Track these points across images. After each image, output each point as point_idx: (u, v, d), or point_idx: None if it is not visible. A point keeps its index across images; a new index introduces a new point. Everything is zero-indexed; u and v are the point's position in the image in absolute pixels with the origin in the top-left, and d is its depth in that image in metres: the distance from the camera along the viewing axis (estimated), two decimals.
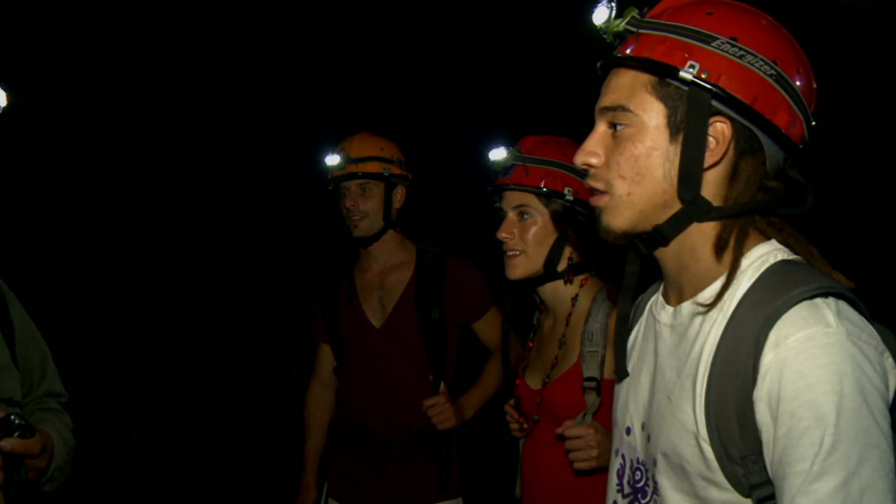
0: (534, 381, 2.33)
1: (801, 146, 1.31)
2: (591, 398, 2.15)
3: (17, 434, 1.56)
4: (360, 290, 3.02)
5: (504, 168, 2.27)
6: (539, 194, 2.22)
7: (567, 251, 2.26)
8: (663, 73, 1.27)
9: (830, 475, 1.08)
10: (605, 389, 2.14)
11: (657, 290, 1.48)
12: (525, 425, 2.35)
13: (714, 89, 1.23)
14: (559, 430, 2.11)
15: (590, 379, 2.16)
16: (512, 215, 2.25)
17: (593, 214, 2.15)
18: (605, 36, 1.36)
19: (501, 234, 2.24)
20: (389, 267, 3.01)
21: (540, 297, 2.37)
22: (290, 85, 5.79)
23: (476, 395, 2.95)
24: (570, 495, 2.20)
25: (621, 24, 1.33)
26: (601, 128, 1.35)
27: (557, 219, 2.23)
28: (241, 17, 5.58)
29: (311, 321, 3.18)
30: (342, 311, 3.02)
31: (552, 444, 2.21)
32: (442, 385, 2.86)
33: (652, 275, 1.49)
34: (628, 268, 1.46)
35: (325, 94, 5.68)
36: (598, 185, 1.35)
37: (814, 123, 1.33)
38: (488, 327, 2.99)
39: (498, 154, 2.27)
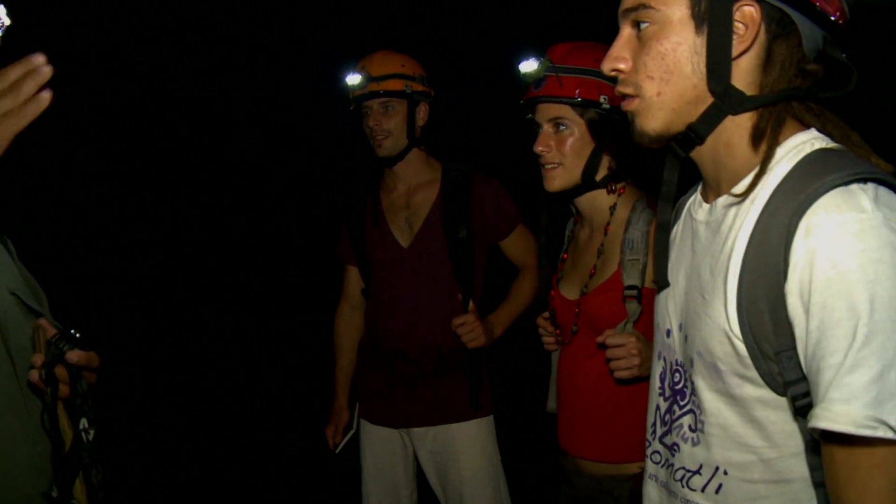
0: (570, 292, 2.31)
1: (840, 23, 1.25)
2: (632, 306, 2.13)
3: (78, 347, 1.57)
4: (386, 211, 3.00)
5: (536, 80, 2.20)
6: (574, 104, 2.17)
7: (605, 160, 2.22)
8: None
9: (865, 367, 1.04)
10: (646, 298, 2.13)
11: (695, 191, 1.44)
12: (560, 337, 2.34)
13: None
14: (600, 339, 2.10)
15: (630, 287, 2.14)
16: (547, 127, 2.20)
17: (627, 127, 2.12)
18: None
19: (538, 148, 2.20)
20: (415, 186, 2.98)
21: (576, 208, 2.33)
22: (309, 4, 5.69)
23: (505, 313, 2.94)
24: (612, 403, 2.20)
25: None
26: (626, 31, 1.31)
27: (594, 128, 2.18)
28: None
29: (337, 243, 3.16)
30: (369, 231, 3.00)
31: (592, 354, 2.20)
32: (471, 304, 2.84)
33: (690, 181, 1.45)
34: (666, 174, 1.42)
35: (344, 9, 5.58)
36: (628, 90, 1.31)
37: None
38: (516, 244, 2.97)
39: (528, 66, 2.19)
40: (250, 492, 4.71)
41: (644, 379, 2.12)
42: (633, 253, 2.16)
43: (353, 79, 2.87)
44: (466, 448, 2.91)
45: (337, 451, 3.14)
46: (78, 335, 1.56)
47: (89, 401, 1.55)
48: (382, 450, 3.03)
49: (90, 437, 1.49)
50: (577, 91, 2.15)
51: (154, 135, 6.14)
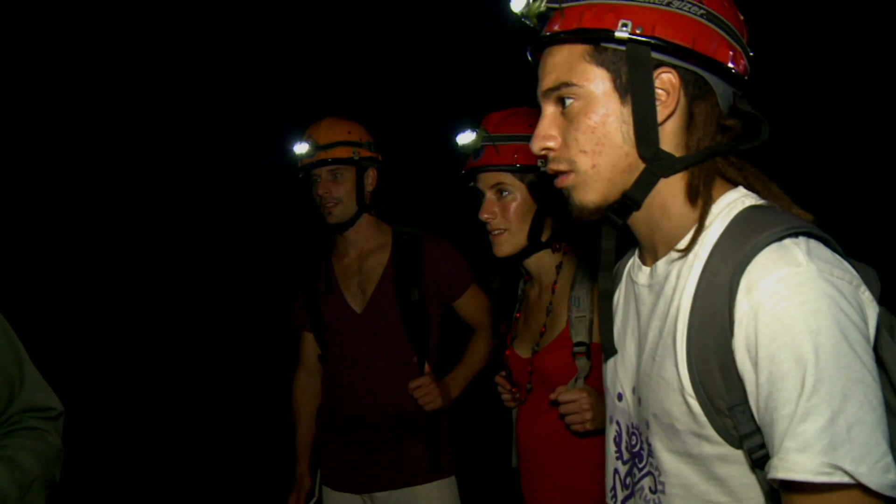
0: (523, 351, 2.35)
1: (746, 78, 1.31)
2: (582, 362, 2.17)
3: None
4: (339, 276, 3.01)
5: (474, 150, 2.25)
6: (514, 171, 2.21)
7: (548, 221, 2.27)
8: (598, 39, 1.26)
9: (816, 415, 1.06)
10: (595, 353, 2.16)
11: (633, 254, 1.47)
12: (517, 395, 2.37)
13: (652, 41, 1.23)
14: (552, 396, 2.14)
15: (579, 344, 2.18)
16: (490, 195, 2.24)
17: None
18: (527, 21, 1.35)
19: (483, 216, 2.24)
20: (366, 251, 3.00)
21: (525, 269, 2.37)
22: (255, 74, 5.73)
23: (461, 374, 2.96)
24: (568, 458, 2.23)
25: (542, 5, 1.32)
26: (549, 109, 1.34)
27: (535, 190, 2.22)
28: (204, 6, 5.53)
29: (292, 311, 3.16)
30: (323, 298, 3.01)
31: (546, 411, 2.23)
32: (426, 366, 2.85)
33: (624, 244, 1.48)
34: (604, 243, 1.44)
35: (289, 80, 5.63)
36: (561, 167, 1.34)
37: (752, 54, 1.34)
38: (469, 304, 3.00)
39: (465, 137, 2.24)
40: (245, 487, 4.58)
41: (599, 432, 2.16)
42: (580, 310, 2.19)
43: (301, 148, 2.89)
44: None
45: None
46: None
47: None
48: None
49: None
50: (515, 157, 2.19)
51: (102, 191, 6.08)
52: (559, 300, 2.27)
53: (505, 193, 2.23)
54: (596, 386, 2.11)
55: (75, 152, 5.88)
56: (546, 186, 2.21)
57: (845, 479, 1.05)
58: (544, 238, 2.27)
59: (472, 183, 2.29)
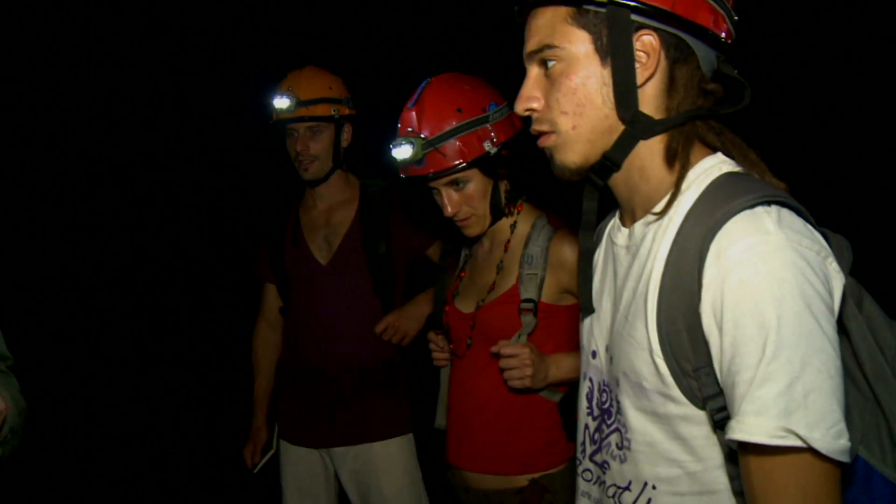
0: (466, 306, 2.35)
1: (730, 42, 1.32)
2: (528, 319, 2.19)
3: None
4: (305, 229, 2.98)
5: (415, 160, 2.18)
6: (466, 169, 2.17)
7: (502, 187, 2.26)
8: (580, 1, 1.27)
9: (774, 381, 1.09)
10: (543, 312, 2.20)
11: (614, 216, 1.49)
12: (453, 352, 2.37)
13: (632, 3, 1.23)
14: (494, 349, 2.15)
15: (527, 300, 2.20)
16: (447, 191, 2.21)
17: (513, 146, 2.13)
18: None
19: (449, 212, 2.22)
20: (334, 204, 2.97)
21: None
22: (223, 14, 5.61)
23: (416, 305, 2.86)
24: (503, 416, 2.24)
25: None
26: (534, 71, 1.35)
27: (487, 169, 2.21)
28: None
29: (255, 261, 3.12)
30: (288, 249, 2.98)
31: (486, 366, 2.24)
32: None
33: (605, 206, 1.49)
34: (586, 204, 1.46)
35: (263, 19, 5.51)
36: (544, 127, 1.35)
37: (736, 18, 1.34)
38: (439, 253, 2.96)
39: (403, 152, 2.15)
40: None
41: (536, 390, 2.17)
42: (532, 268, 2.22)
43: (281, 102, 2.81)
44: (387, 467, 2.90)
45: (255, 472, 3.09)
46: None
47: None
48: (303, 470, 3.00)
49: None
50: (462, 152, 2.15)
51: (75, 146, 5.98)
52: (511, 257, 2.28)
53: (461, 184, 2.20)
54: (539, 344, 2.16)
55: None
56: (496, 161, 2.21)
57: (798, 443, 1.07)
58: (503, 205, 2.27)
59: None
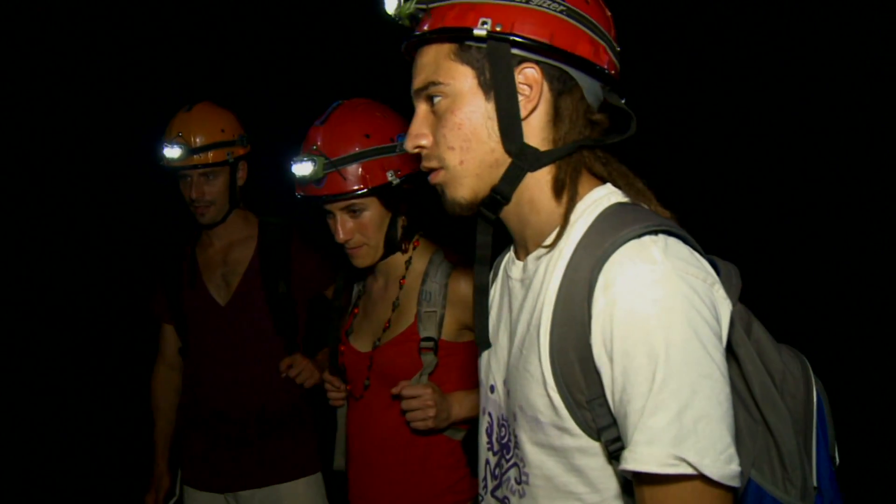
0: (362, 345, 2.31)
1: (613, 73, 1.34)
2: (428, 358, 2.16)
3: None
4: (202, 268, 2.91)
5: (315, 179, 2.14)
6: (365, 196, 2.15)
7: (399, 222, 2.23)
8: (460, 38, 1.29)
9: (664, 410, 1.10)
10: (443, 350, 2.17)
11: (509, 250, 1.50)
12: (350, 392, 2.33)
13: (511, 37, 1.25)
14: (395, 390, 2.12)
15: (427, 339, 2.16)
16: (341, 215, 2.17)
17: (416, 182, 2.13)
18: (401, 22, 1.38)
19: (340, 237, 2.18)
20: (233, 242, 2.91)
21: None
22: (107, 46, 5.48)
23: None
24: (407, 456, 2.21)
25: (412, 6, 1.35)
26: (421, 108, 1.37)
27: (387, 200, 2.19)
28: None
29: (152, 301, 3.03)
30: (185, 290, 2.90)
31: (387, 407, 2.21)
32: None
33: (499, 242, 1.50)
34: (479, 238, 1.47)
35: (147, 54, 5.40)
36: (433, 164, 1.36)
37: (619, 49, 1.37)
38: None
39: (303, 168, 2.10)
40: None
41: (440, 431, 2.15)
42: (430, 305, 2.18)
43: (172, 151, 2.71)
44: None
45: None
46: None
47: None
48: None
49: None
50: (363, 179, 2.12)
51: None
52: (407, 295, 2.25)
53: (357, 211, 2.17)
54: (440, 383, 2.13)
55: None
56: (397, 194, 2.18)
57: (689, 471, 1.09)
58: (398, 241, 2.24)
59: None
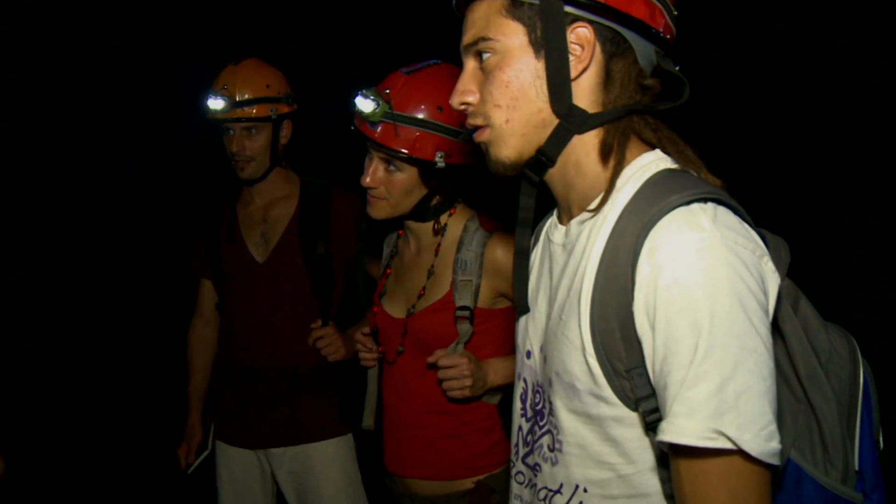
0: (396, 310, 2.30)
1: (668, 37, 1.31)
2: (464, 327, 2.15)
3: None
4: (242, 225, 2.91)
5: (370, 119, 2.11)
6: (408, 161, 2.12)
7: (433, 199, 2.21)
8: None
9: (705, 381, 1.07)
10: (478, 318, 2.16)
11: (552, 215, 1.47)
12: (383, 355, 2.33)
13: None
14: (431, 359, 2.12)
15: (463, 308, 2.15)
16: (378, 162, 2.16)
17: (465, 170, 2.10)
18: None
19: (365, 181, 2.16)
20: (273, 200, 2.91)
21: (405, 224, 2.32)
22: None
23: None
24: (443, 422, 2.22)
25: None
26: (470, 64, 1.35)
27: (426, 176, 2.16)
28: None
29: (190, 257, 3.05)
30: (224, 246, 2.91)
31: (421, 374, 2.21)
32: (330, 321, 2.79)
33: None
34: (522, 200, 1.44)
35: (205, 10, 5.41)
36: (478, 121, 1.34)
37: (676, 13, 1.33)
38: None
39: (365, 105, 2.08)
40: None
41: (475, 399, 2.15)
42: (466, 274, 2.17)
43: (216, 103, 2.72)
44: (326, 468, 2.85)
45: (189, 472, 3.03)
46: None
47: None
48: (239, 471, 2.94)
49: None
50: (413, 145, 2.09)
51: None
52: (443, 262, 2.23)
53: (392, 168, 2.15)
54: (475, 351, 2.13)
55: None
56: (439, 175, 2.15)
57: (728, 445, 1.06)
58: (427, 215, 2.23)
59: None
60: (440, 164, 2.09)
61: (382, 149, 2.10)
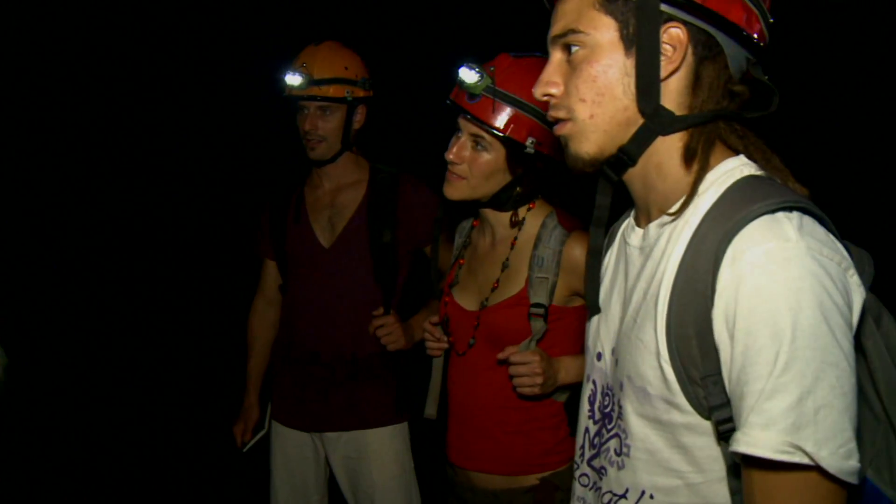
0: (468, 303, 2.29)
1: (762, 44, 1.28)
2: (538, 324, 2.14)
3: None
4: (309, 208, 2.93)
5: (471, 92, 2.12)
6: (499, 138, 2.12)
7: (514, 189, 2.20)
8: None
9: (784, 393, 1.05)
10: (552, 315, 2.15)
11: (629, 215, 1.45)
12: (453, 346, 2.32)
13: None
14: (502, 356, 2.11)
15: (537, 305, 2.14)
16: (466, 138, 2.16)
17: (551, 163, 2.08)
18: None
19: (450, 156, 2.16)
20: (342, 185, 2.91)
21: (480, 214, 2.31)
22: None
23: (425, 316, 2.88)
24: (512, 416, 2.21)
25: None
26: (556, 56, 1.32)
27: (512, 160, 2.15)
28: None
29: (256, 237, 3.08)
30: (290, 228, 2.93)
31: (491, 367, 2.20)
32: (391, 310, 2.80)
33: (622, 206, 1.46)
34: (599, 199, 1.42)
35: None
36: (560, 114, 1.31)
37: (772, 20, 1.30)
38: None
39: (469, 76, 2.08)
40: (153, 490, 4.55)
41: (545, 396, 2.15)
42: (543, 271, 2.16)
43: (293, 79, 2.74)
44: (379, 455, 2.86)
45: (244, 451, 3.06)
46: None
47: None
48: (293, 453, 2.96)
49: None
50: (507, 124, 2.09)
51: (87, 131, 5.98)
52: (518, 257, 2.22)
53: (480, 147, 2.15)
54: (548, 349, 2.12)
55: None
56: (525, 161, 2.14)
57: (805, 461, 1.04)
58: (506, 204, 2.22)
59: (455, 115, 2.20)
60: (529, 149, 2.09)
61: (477, 122, 2.10)
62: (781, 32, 1.38)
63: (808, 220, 1.14)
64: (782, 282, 1.07)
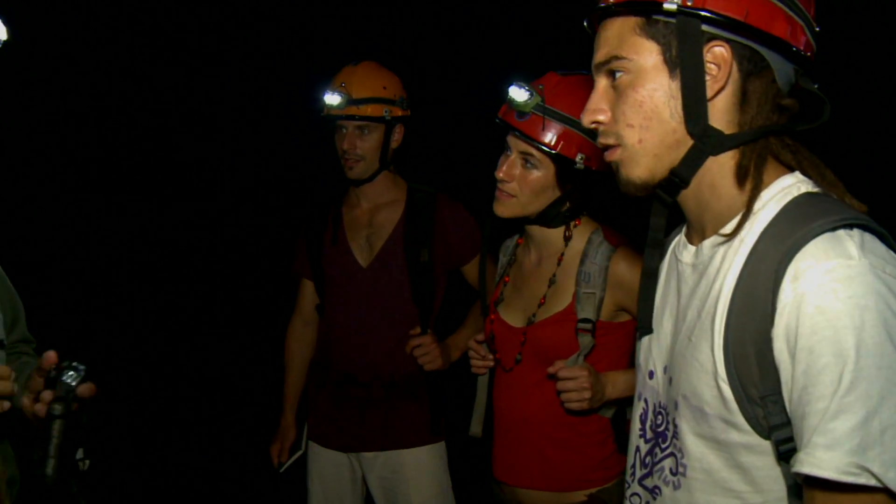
0: (514, 319, 2.30)
1: (808, 55, 1.27)
2: (586, 340, 2.14)
3: (83, 378, 1.64)
4: (347, 228, 2.93)
5: (520, 110, 2.14)
6: (549, 155, 2.13)
7: (563, 205, 2.21)
8: (648, 11, 1.24)
9: (849, 413, 1.03)
10: (600, 330, 2.15)
11: (680, 231, 1.44)
12: (499, 363, 2.32)
13: (702, 13, 1.19)
14: (551, 370, 2.11)
15: (585, 320, 2.14)
16: (515, 156, 2.17)
17: (598, 180, 2.08)
18: None
19: (500, 174, 2.18)
20: (379, 205, 2.92)
21: (525, 231, 2.31)
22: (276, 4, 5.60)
23: (463, 337, 2.86)
24: (559, 432, 2.21)
25: None
26: (601, 83, 1.32)
27: (562, 177, 2.16)
28: None
29: (293, 256, 3.09)
30: (327, 247, 2.93)
31: (539, 383, 2.20)
32: (428, 329, 2.79)
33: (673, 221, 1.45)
34: (653, 220, 1.41)
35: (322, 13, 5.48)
36: (609, 140, 1.32)
37: (818, 29, 1.29)
38: (477, 270, 2.90)
39: (518, 94, 2.10)
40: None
41: (593, 411, 2.14)
42: (590, 286, 2.16)
43: (332, 98, 2.77)
44: (417, 475, 2.85)
45: (281, 471, 3.06)
46: (82, 366, 1.64)
47: (87, 432, 1.64)
48: (330, 473, 2.96)
49: (85, 467, 1.57)
50: (557, 141, 2.10)
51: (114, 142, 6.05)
52: (565, 272, 2.22)
53: (530, 165, 2.16)
54: (595, 363, 2.12)
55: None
56: (575, 178, 2.15)
57: (871, 482, 1.02)
58: (554, 221, 2.22)
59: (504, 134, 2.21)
60: (580, 164, 2.10)
61: (527, 139, 2.12)
62: (829, 40, 1.36)
63: (869, 237, 1.13)
64: (845, 300, 1.06)
